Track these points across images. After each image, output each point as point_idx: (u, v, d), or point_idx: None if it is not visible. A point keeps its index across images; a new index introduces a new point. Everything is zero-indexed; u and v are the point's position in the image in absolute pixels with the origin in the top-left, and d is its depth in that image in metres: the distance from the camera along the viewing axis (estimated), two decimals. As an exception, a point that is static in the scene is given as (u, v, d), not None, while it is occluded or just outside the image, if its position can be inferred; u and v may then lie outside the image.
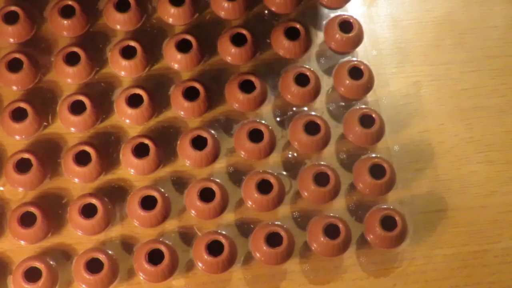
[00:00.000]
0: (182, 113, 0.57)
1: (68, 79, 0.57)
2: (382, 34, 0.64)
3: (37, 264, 0.51)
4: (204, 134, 0.55)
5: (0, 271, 0.54)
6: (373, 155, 0.58)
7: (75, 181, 0.55)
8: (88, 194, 0.54)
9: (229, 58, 0.58)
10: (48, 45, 0.59)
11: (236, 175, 0.57)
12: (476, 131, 0.61)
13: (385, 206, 0.57)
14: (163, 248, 0.52)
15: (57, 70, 0.57)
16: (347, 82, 0.58)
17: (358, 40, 0.60)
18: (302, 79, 0.57)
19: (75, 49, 0.56)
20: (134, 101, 0.56)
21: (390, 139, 0.60)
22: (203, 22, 0.61)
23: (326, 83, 0.60)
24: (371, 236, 0.55)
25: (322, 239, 0.53)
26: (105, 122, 0.58)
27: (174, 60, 0.57)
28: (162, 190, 0.55)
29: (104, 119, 0.58)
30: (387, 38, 0.63)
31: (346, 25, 0.59)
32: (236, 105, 0.57)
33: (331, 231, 0.54)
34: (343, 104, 0.60)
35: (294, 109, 0.59)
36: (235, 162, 0.58)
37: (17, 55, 0.56)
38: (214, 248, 0.53)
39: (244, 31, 0.58)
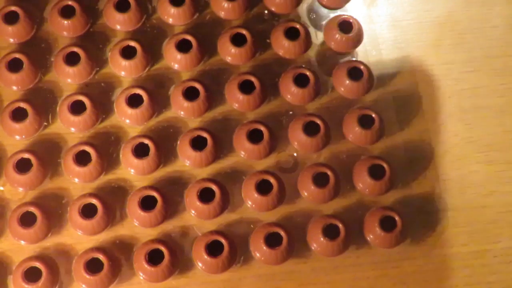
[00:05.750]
0: (182, 113, 0.57)
1: (68, 79, 0.57)
2: (382, 34, 0.64)
3: (37, 264, 0.52)
4: (204, 134, 0.55)
5: (0, 271, 0.54)
6: (373, 155, 0.58)
7: (75, 181, 0.55)
8: (88, 194, 0.54)
9: (229, 58, 0.58)
10: (48, 45, 0.59)
11: (236, 175, 0.57)
12: (476, 131, 0.61)
13: (385, 206, 0.57)
14: (163, 248, 0.52)
15: (57, 70, 0.57)
16: (347, 82, 0.58)
17: (358, 40, 0.60)
18: (302, 79, 0.57)
19: (75, 49, 0.56)
20: (134, 101, 0.56)
21: (390, 139, 0.60)
22: (203, 22, 0.61)
23: (326, 83, 0.60)
24: (371, 236, 0.55)
25: (322, 239, 0.53)
26: (105, 122, 0.58)
27: (174, 60, 0.57)
28: (162, 190, 0.55)
29: (104, 119, 0.58)
30: (387, 38, 0.63)
31: (346, 25, 0.59)
32: (236, 105, 0.57)
33: (331, 231, 0.54)
34: (343, 104, 0.60)
35: (294, 109, 0.59)
36: (235, 162, 0.58)
37: (17, 55, 0.56)
38: (214, 248, 0.53)
39: (244, 31, 0.58)
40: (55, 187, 0.56)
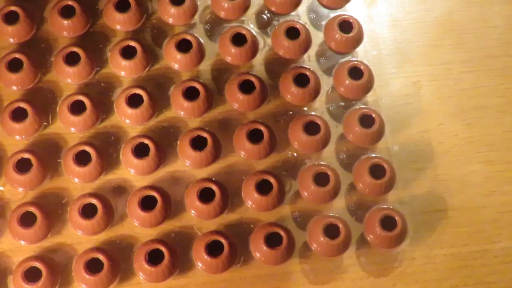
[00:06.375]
0: (182, 113, 0.57)
1: (68, 79, 0.57)
2: (382, 34, 0.64)
3: (37, 264, 0.51)
4: (204, 134, 0.55)
5: (0, 271, 0.54)
6: (373, 155, 0.58)
7: (75, 181, 0.55)
8: (88, 194, 0.54)
9: (229, 58, 0.58)
10: (48, 45, 0.59)
11: (236, 175, 0.57)
12: (476, 131, 0.61)
13: (385, 206, 0.57)
14: (163, 248, 0.52)
15: (57, 70, 0.57)
16: (347, 82, 0.58)
17: (358, 40, 0.60)
18: (302, 79, 0.57)
19: (75, 49, 0.56)
20: (134, 101, 0.56)
21: (390, 139, 0.60)
22: (203, 22, 0.61)
23: (326, 83, 0.60)
24: (371, 236, 0.55)
25: (322, 239, 0.53)
26: (105, 122, 0.58)
27: (174, 60, 0.57)
28: (162, 190, 0.55)
29: (104, 119, 0.58)
30: (387, 38, 0.64)
31: (346, 25, 0.59)
32: (236, 105, 0.57)
33: (331, 231, 0.54)
34: (343, 104, 0.60)
35: (294, 109, 0.59)
36: (235, 162, 0.58)
37: (17, 55, 0.56)
38: (214, 248, 0.53)
39: (244, 31, 0.57)
40: (55, 187, 0.56)
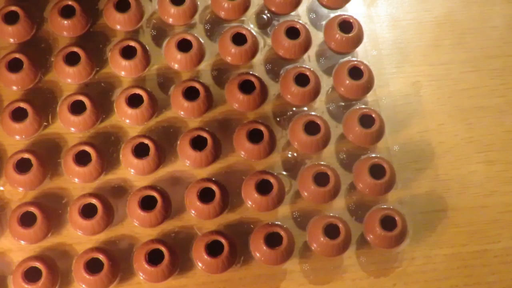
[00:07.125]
0: (182, 113, 0.57)
1: (68, 79, 0.57)
2: (382, 34, 0.64)
3: (37, 264, 0.52)
4: (204, 134, 0.55)
5: (0, 271, 0.54)
6: (373, 155, 0.58)
7: (75, 181, 0.55)
8: (88, 194, 0.54)
9: (229, 58, 0.58)
10: (48, 45, 0.59)
11: (236, 175, 0.57)
12: (476, 131, 0.61)
13: (385, 206, 0.57)
14: (163, 248, 0.52)
15: (57, 70, 0.57)
16: (347, 82, 0.58)
17: (358, 40, 0.60)
18: (302, 79, 0.57)
19: (75, 49, 0.56)
20: (134, 101, 0.56)
21: (390, 139, 0.60)
22: (203, 22, 0.61)
23: (326, 83, 0.60)
24: (371, 236, 0.55)
25: (322, 239, 0.53)
26: (105, 122, 0.58)
27: (174, 60, 0.57)
28: (162, 190, 0.55)
29: (104, 119, 0.58)
30: (387, 38, 0.64)
31: (346, 25, 0.59)
32: (236, 105, 0.57)
33: (331, 231, 0.54)
34: (343, 104, 0.60)
35: (294, 109, 0.59)
36: (235, 162, 0.58)
37: (17, 55, 0.56)
38: (214, 248, 0.53)
39: (244, 31, 0.58)
40: (55, 187, 0.56)
